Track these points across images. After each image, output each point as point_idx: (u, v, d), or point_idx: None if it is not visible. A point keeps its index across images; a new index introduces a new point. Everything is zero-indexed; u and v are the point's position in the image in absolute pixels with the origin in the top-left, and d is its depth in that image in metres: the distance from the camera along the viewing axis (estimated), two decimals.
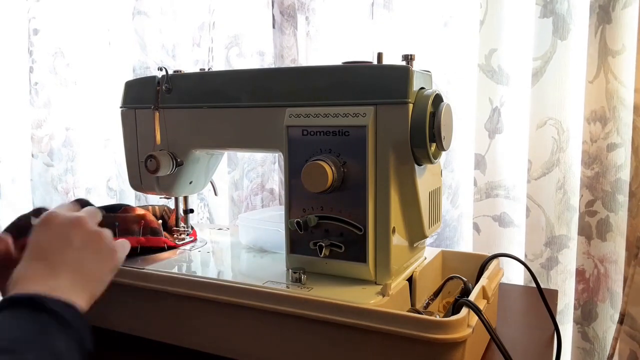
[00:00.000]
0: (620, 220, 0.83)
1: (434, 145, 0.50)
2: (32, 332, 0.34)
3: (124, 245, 0.48)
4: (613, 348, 0.81)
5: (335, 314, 0.45)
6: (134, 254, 0.59)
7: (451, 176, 0.98)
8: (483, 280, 0.51)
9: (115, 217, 0.59)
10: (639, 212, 0.78)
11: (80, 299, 0.40)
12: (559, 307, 0.88)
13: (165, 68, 0.60)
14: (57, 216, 0.45)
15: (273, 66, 1.10)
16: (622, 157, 0.82)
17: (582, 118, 0.84)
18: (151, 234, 0.61)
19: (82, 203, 0.52)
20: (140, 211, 0.62)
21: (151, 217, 0.62)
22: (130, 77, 0.89)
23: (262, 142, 0.57)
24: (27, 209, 0.55)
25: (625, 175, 0.82)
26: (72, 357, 0.35)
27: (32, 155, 1.10)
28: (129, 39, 1.14)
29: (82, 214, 0.47)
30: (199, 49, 1.14)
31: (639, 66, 0.76)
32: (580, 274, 0.87)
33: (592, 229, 0.85)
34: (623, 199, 0.82)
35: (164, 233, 0.62)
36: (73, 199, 0.54)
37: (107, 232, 0.46)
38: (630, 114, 0.79)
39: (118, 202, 1.15)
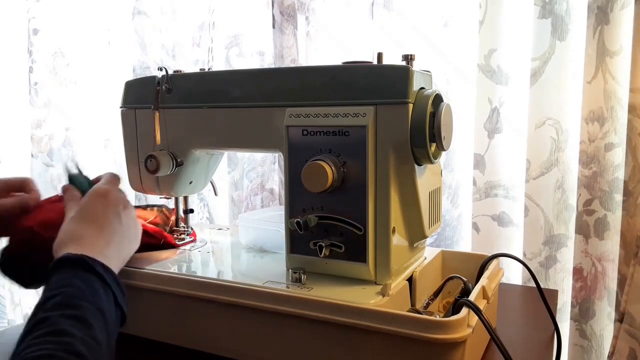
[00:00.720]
0: (617, 219, 0.83)
1: (434, 145, 0.50)
2: (86, 292, 0.40)
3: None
4: (613, 346, 0.81)
5: (335, 314, 0.45)
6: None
7: (451, 176, 0.98)
8: (483, 280, 0.52)
9: None
10: (636, 211, 0.78)
11: (115, 266, 0.46)
12: (557, 305, 0.88)
13: (165, 68, 0.60)
14: (113, 193, 0.51)
15: (273, 66, 1.10)
16: (620, 156, 0.83)
17: (580, 118, 0.84)
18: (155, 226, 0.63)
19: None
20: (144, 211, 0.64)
21: (157, 214, 0.64)
22: (130, 77, 0.89)
23: (262, 142, 0.57)
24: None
25: (622, 174, 0.82)
26: (111, 314, 0.41)
27: (32, 156, 1.10)
28: (129, 39, 1.14)
29: (128, 200, 0.53)
30: (198, 49, 1.14)
31: (636, 66, 0.77)
32: (578, 272, 0.87)
33: (590, 227, 0.85)
34: (620, 198, 0.83)
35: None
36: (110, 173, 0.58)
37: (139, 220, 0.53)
38: (628, 114, 0.79)
39: None
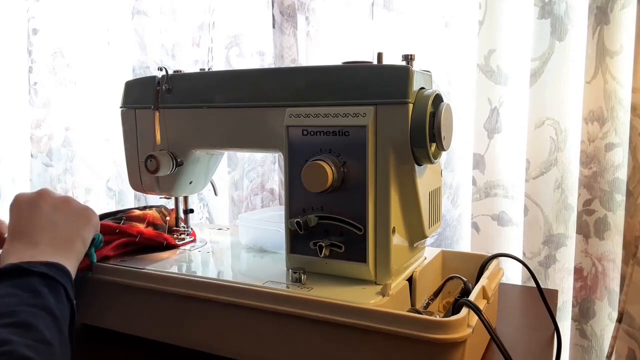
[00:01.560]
0: (618, 219, 0.83)
1: (434, 145, 0.50)
2: (23, 296, 0.38)
3: (92, 208, 0.51)
4: (612, 347, 0.81)
5: (335, 314, 0.45)
6: (134, 247, 0.60)
7: (451, 176, 0.98)
8: (483, 280, 0.52)
9: (122, 213, 0.62)
10: (637, 211, 0.78)
11: (63, 257, 0.44)
12: (557, 304, 0.88)
13: (165, 68, 0.60)
14: (22, 195, 0.49)
15: (273, 66, 1.10)
16: (620, 156, 0.83)
17: (580, 118, 0.84)
18: (154, 229, 0.62)
19: None
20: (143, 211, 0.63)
21: (155, 215, 0.63)
22: (130, 77, 0.89)
23: (262, 142, 0.57)
24: None
25: (622, 174, 0.82)
26: (61, 309, 0.40)
27: (32, 156, 1.10)
28: (129, 39, 1.14)
29: (42, 189, 0.50)
30: (198, 49, 1.14)
31: (636, 66, 0.77)
32: (578, 272, 0.87)
33: (590, 227, 0.85)
34: (621, 198, 0.83)
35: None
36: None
37: (74, 199, 0.50)
38: (628, 114, 0.79)
39: (117, 204, 1.14)
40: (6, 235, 0.47)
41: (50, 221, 0.47)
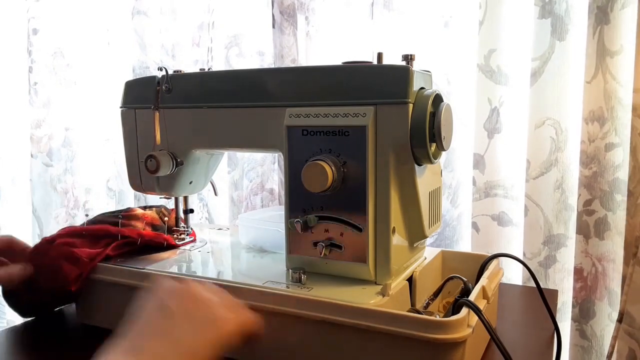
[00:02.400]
0: (618, 219, 0.83)
1: (434, 145, 0.50)
2: None
3: (242, 317, 0.42)
4: (612, 347, 0.81)
5: (335, 314, 0.45)
6: (134, 247, 0.60)
7: (451, 176, 0.98)
8: (483, 280, 0.52)
9: (119, 212, 0.63)
10: (637, 212, 0.78)
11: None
12: (557, 305, 0.88)
13: (165, 68, 0.60)
14: (163, 283, 0.41)
15: (273, 66, 1.10)
16: (620, 156, 0.83)
17: (580, 118, 0.84)
18: (152, 229, 0.62)
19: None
20: (142, 211, 0.63)
21: (154, 215, 0.63)
22: (130, 77, 0.89)
23: (262, 142, 0.57)
24: (27, 209, 0.60)
25: (623, 174, 0.82)
26: None
27: (32, 155, 1.10)
28: (129, 39, 1.14)
29: (192, 281, 0.42)
30: (198, 48, 1.14)
31: (637, 66, 0.77)
32: (578, 272, 0.87)
33: (590, 228, 0.85)
34: (621, 198, 0.83)
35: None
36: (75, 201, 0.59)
37: (216, 300, 0.41)
38: (628, 114, 0.79)
39: (117, 204, 1.14)
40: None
41: (166, 327, 0.38)
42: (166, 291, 0.41)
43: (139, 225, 0.62)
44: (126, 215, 0.62)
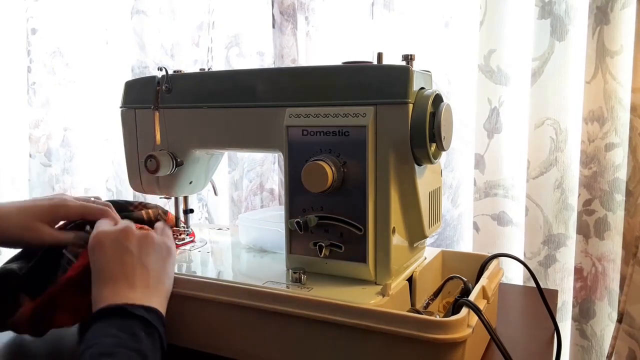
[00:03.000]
0: (618, 219, 0.83)
1: (434, 145, 0.50)
2: (123, 338, 0.40)
3: (169, 235, 0.53)
4: (612, 347, 0.81)
5: (335, 314, 0.45)
6: None
7: (451, 176, 0.98)
8: (483, 280, 0.52)
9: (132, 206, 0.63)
10: (637, 211, 0.78)
11: (157, 299, 0.46)
12: (557, 304, 0.88)
13: (165, 68, 0.60)
14: (104, 234, 0.49)
15: (273, 66, 1.10)
16: (620, 156, 0.83)
17: (580, 118, 0.84)
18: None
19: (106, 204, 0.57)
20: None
21: (152, 217, 0.63)
22: (129, 77, 0.89)
23: (262, 142, 0.57)
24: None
25: (623, 174, 0.82)
26: (155, 356, 0.41)
27: (30, 155, 1.10)
28: (128, 39, 1.13)
29: (124, 224, 0.51)
30: (198, 48, 1.13)
31: (636, 66, 0.77)
32: (578, 272, 0.87)
33: (590, 227, 0.85)
34: (621, 198, 0.83)
35: None
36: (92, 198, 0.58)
37: (153, 232, 0.51)
38: (628, 114, 0.79)
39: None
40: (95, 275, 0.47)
41: (140, 263, 0.47)
42: (114, 238, 0.49)
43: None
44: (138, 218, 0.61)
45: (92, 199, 0.59)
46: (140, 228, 0.57)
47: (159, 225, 0.56)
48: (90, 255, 0.48)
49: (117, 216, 0.57)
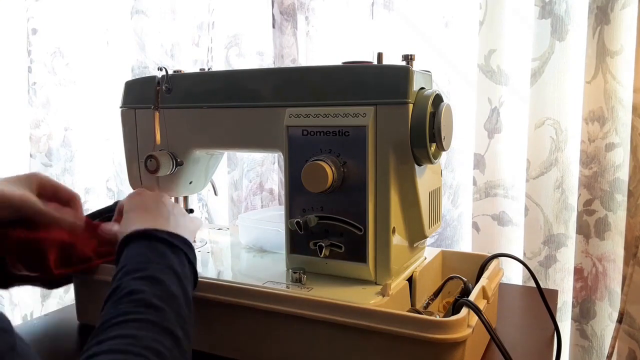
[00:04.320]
0: (618, 219, 0.83)
1: (434, 145, 0.50)
2: (151, 255, 0.44)
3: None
4: (612, 347, 0.81)
5: (335, 314, 0.45)
6: None
7: (452, 176, 0.98)
8: (483, 280, 0.52)
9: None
10: (637, 211, 0.78)
11: (183, 234, 0.49)
12: (557, 304, 0.88)
13: (165, 68, 0.60)
14: (145, 190, 0.56)
15: (273, 66, 1.10)
16: (621, 156, 0.83)
17: (581, 118, 0.84)
18: None
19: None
20: None
21: None
22: (129, 77, 0.89)
23: (262, 142, 0.57)
24: None
25: (623, 174, 0.82)
26: (183, 270, 0.44)
27: (31, 156, 1.10)
28: (128, 39, 1.13)
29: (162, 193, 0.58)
30: (198, 48, 1.13)
31: (637, 66, 0.77)
32: (578, 272, 0.87)
33: (591, 227, 0.85)
34: (621, 198, 0.83)
35: None
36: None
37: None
38: (629, 113, 0.79)
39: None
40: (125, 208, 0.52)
41: (172, 214, 0.52)
42: (152, 194, 0.55)
43: None
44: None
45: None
46: None
47: None
48: (129, 200, 0.53)
49: (82, 209, 0.58)
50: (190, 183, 0.65)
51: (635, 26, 0.76)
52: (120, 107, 0.64)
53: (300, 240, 0.52)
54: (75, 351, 0.54)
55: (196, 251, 0.63)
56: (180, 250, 0.46)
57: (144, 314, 0.37)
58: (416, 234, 0.53)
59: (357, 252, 0.50)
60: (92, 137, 1.15)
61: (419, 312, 0.49)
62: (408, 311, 0.49)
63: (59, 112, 1.11)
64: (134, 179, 0.65)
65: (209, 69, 1.12)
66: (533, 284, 0.61)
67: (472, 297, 0.47)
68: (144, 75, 0.77)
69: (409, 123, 0.48)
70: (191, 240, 0.50)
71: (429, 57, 0.94)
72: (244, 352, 0.51)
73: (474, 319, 0.44)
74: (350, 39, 1.01)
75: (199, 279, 0.52)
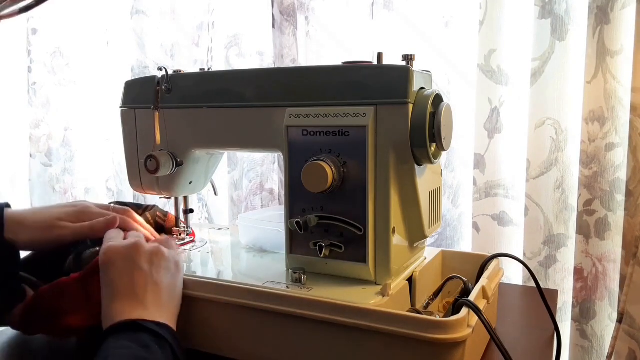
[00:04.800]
0: (618, 219, 0.83)
1: (434, 145, 0.50)
2: (137, 350, 0.40)
3: (175, 248, 0.53)
4: (612, 347, 0.81)
5: (335, 314, 0.45)
6: None
7: (452, 176, 0.98)
8: (483, 280, 0.52)
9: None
10: (637, 212, 0.78)
11: (168, 315, 0.46)
12: (557, 305, 0.88)
13: (165, 68, 0.60)
14: (114, 250, 0.49)
15: (273, 66, 1.10)
16: (621, 156, 0.83)
17: (581, 118, 0.84)
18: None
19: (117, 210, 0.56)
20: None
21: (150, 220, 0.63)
22: (129, 77, 0.89)
23: (262, 142, 0.57)
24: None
25: (623, 174, 0.82)
26: None
27: (30, 155, 1.10)
28: (128, 39, 1.13)
29: (134, 239, 0.50)
30: (197, 48, 1.14)
31: (637, 66, 0.77)
32: (578, 272, 0.87)
33: (591, 228, 0.85)
34: (621, 198, 0.83)
35: None
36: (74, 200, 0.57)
37: (162, 247, 0.51)
38: (629, 113, 0.79)
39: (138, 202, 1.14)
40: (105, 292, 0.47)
41: (152, 280, 0.47)
42: (125, 254, 0.48)
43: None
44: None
45: (112, 206, 0.59)
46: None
47: (163, 238, 0.55)
48: (101, 271, 0.48)
49: (139, 220, 0.57)
50: (190, 183, 0.65)
51: (635, 26, 0.76)
52: (120, 107, 0.64)
53: (300, 240, 0.52)
54: (75, 351, 0.54)
55: (196, 251, 0.63)
56: (166, 343, 0.43)
57: None
58: (416, 234, 0.53)
59: (357, 252, 0.50)
60: (92, 137, 1.15)
61: (419, 312, 0.49)
62: (408, 311, 0.49)
63: (59, 112, 1.11)
64: (134, 179, 0.65)
65: (209, 69, 1.12)
66: (533, 284, 0.61)
67: (472, 297, 0.47)
68: (144, 75, 0.77)
69: (409, 123, 0.48)
70: (175, 319, 0.47)
71: (429, 57, 0.94)
72: (244, 352, 0.50)
73: (474, 319, 0.44)
74: (350, 39, 1.01)
75: (199, 279, 0.52)
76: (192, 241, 0.66)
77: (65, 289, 0.49)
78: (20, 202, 1.10)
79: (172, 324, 0.46)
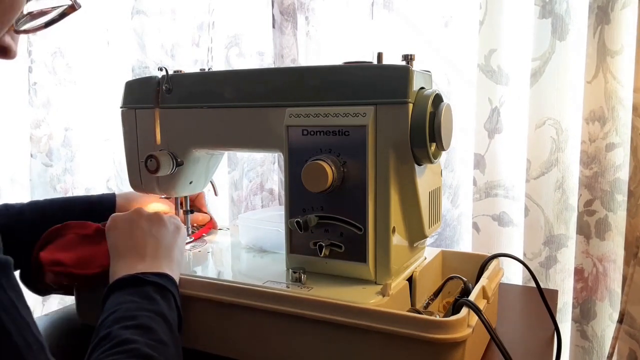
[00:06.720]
0: (619, 219, 0.83)
1: (434, 145, 0.50)
2: (142, 302, 0.43)
3: (177, 218, 0.57)
4: (612, 347, 0.81)
5: (335, 314, 0.45)
6: None
7: (451, 176, 0.98)
8: (483, 280, 0.51)
9: None
10: (638, 212, 0.78)
11: (167, 265, 0.49)
12: (558, 305, 0.88)
13: (165, 68, 0.60)
14: (117, 216, 0.53)
15: (273, 66, 1.10)
16: (621, 157, 0.82)
17: (581, 118, 0.84)
18: None
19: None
20: None
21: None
22: (129, 77, 0.89)
23: (262, 142, 0.57)
24: None
25: (623, 174, 0.82)
26: (172, 315, 0.44)
27: (31, 155, 1.10)
28: (128, 39, 1.13)
29: (138, 208, 0.55)
30: (198, 48, 1.14)
31: (637, 66, 0.77)
32: (579, 272, 0.87)
33: (591, 228, 0.85)
34: (622, 198, 0.82)
35: None
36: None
37: (161, 213, 0.54)
38: (629, 114, 0.79)
39: None
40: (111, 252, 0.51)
41: (150, 235, 0.51)
42: (125, 218, 0.52)
43: None
44: None
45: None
46: None
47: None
48: (107, 237, 0.52)
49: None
50: (190, 183, 0.65)
51: (635, 26, 0.76)
52: (121, 107, 0.64)
53: (300, 240, 0.52)
54: (75, 351, 0.54)
55: (196, 251, 0.63)
56: (168, 292, 0.45)
57: None
58: (416, 234, 0.53)
59: (357, 252, 0.50)
60: (93, 137, 1.15)
61: (419, 312, 0.49)
62: (408, 311, 0.49)
63: (60, 112, 1.11)
64: (134, 179, 0.65)
65: (209, 69, 1.12)
66: (533, 285, 0.61)
67: (472, 297, 0.47)
68: (144, 75, 0.77)
69: (409, 123, 0.48)
70: (178, 274, 0.50)
71: (429, 57, 0.94)
72: (244, 352, 0.51)
73: (474, 319, 0.44)
74: (350, 39, 1.01)
75: (199, 279, 0.52)
76: (193, 241, 0.66)
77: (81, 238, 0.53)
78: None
79: (173, 274, 0.48)
